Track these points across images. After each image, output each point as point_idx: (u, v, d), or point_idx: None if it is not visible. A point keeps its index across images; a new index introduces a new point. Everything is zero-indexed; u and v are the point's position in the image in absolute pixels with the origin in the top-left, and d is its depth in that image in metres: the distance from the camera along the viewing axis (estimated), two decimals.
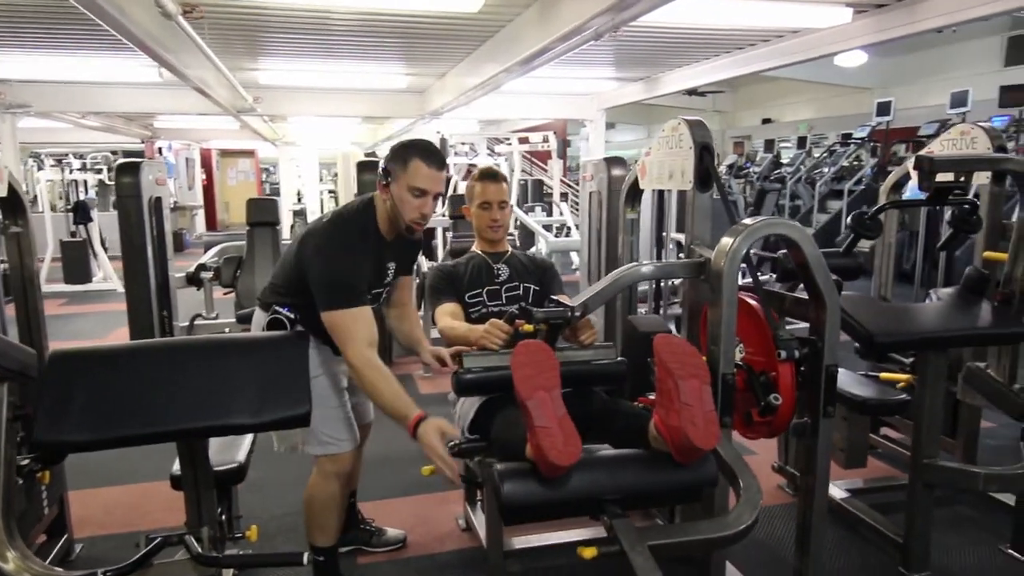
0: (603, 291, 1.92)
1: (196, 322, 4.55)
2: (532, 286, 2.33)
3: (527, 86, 7.35)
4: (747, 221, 1.85)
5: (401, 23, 5.17)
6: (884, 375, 2.73)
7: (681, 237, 3.00)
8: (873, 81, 11.36)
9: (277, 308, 1.99)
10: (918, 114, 9.46)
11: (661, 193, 2.51)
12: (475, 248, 2.41)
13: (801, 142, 11.78)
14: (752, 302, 1.89)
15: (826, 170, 10.21)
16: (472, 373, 1.87)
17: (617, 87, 8.27)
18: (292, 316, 1.97)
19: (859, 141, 9.75)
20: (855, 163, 10.20)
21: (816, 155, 11.17)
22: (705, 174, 2.10)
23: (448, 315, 2.18)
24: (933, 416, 2.13)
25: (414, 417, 1.76)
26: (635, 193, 2.74)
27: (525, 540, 2.35)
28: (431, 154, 1.92)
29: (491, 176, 2.32)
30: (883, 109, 9.04)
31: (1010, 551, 2.34)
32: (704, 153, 2.09)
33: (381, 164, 1.96)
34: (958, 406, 2.65)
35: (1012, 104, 7.11)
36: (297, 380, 1.66)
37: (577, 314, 1.83)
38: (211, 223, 16.39)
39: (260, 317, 2.06)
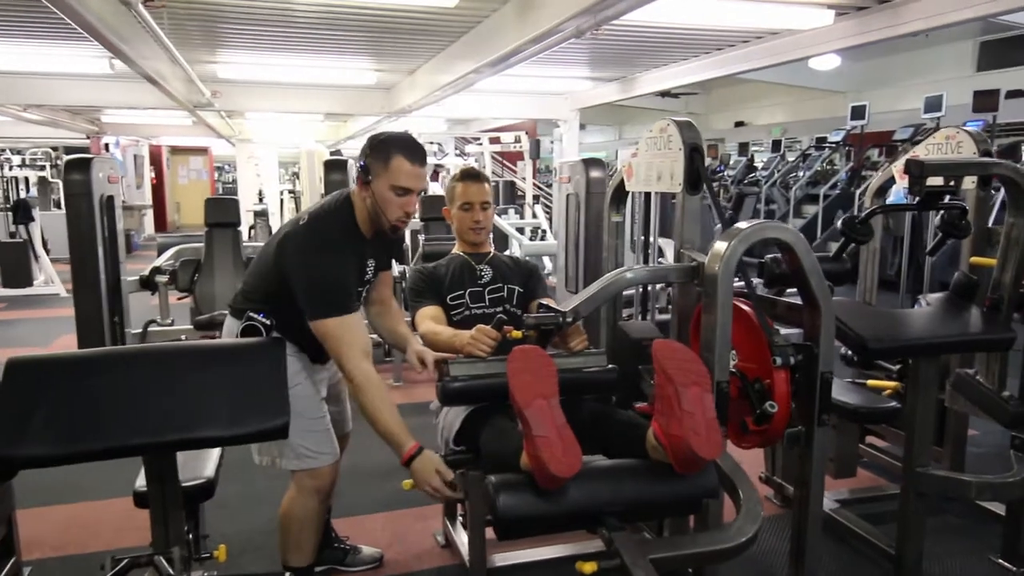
0: (594, 296, 1.92)
1: (150, 328, 4.43)
2: (516, 288, 2.32)
3: (499, 85, 7.37)
4: (741, 225, 1.87)
5: (370, 16, 5.13)
6: (871, 382, 2.79)
7: (662, 242, 3.01)
8: (847, 85, 11.67)
9: (251, 315, 1.96)
10: (892, 118, 9.73)
11: (648, 196, 2.51)
12: (456, 250, 2.39)
13: (775, 146, 12.02)
14: (745, 308, 1.90)
15: (801, 174, 10.44)
16: (459, 381, 1.85)
17: (592, 87, 8.35)
18: (268, 322, 1.95)
19: (833, 145, 9.98)
20: (829, 167, 10.45)
21: (790, 159, 11.42)
22: (695, 176, 2.12)
23: (430, 319, 2.16)
24: (925, 424, 2.17)
25: (410, 447, 1.79)
26: (620, 195, 2.75)
27: (509, 556, 2.33)
28: (414, 150, 1.89)
29: (473, 176, 2.31)
30: (857, 113, 9.27)
31: (1000, 561, 2.40)
32: (694, 154, 2.11)
33: (359, 160, 1.92)
34: (945, 413, 2.71)
35: (985, 109, 7.35)
36: (274, 389, 1.63)
37: (568, 320, 1.83)
38: (161, 224, 16.04)
39: (232, 325, 2.02)
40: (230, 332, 2.02)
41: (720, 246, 1.84)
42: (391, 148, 1.87)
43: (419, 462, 1.77)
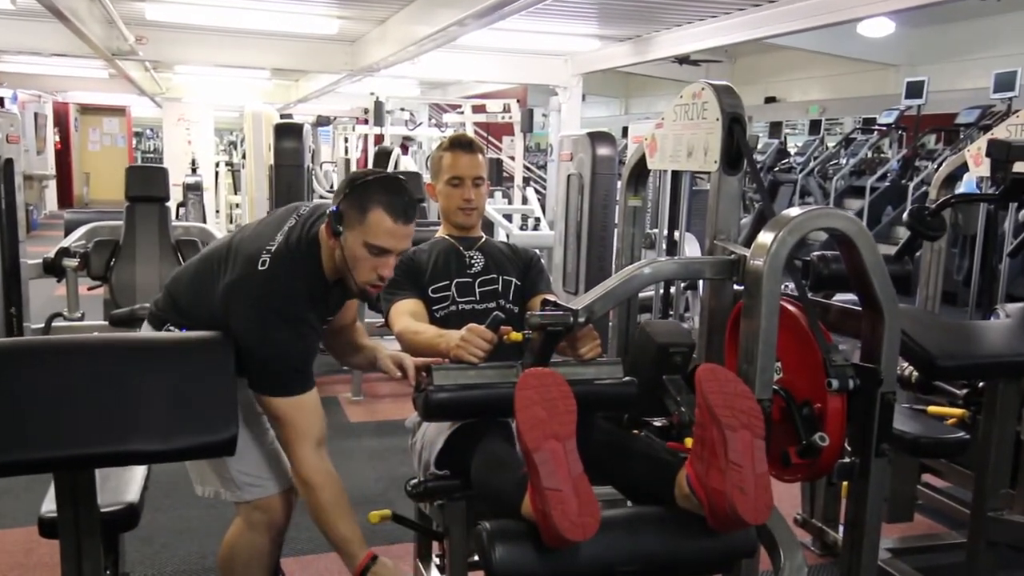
0: (612, 292, 1.91)
1: (55, 323, 4.37)
2: (513, 280, 2.30)
3: (487, 41, 7.37)
4: (791, 211, 1.87)
5: None
6: (932, 409, 2.80)
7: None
8: (900, 57, 11.79)
9: (172, 328, 1.95)
10: (954, 98, 9.84)
11: (676, 176, 2.51)
12: (441, 233, 2.37)
13: (814, 127, 12.14)
14: (793, 309, 1.90)
15: (843, 162, 10.53)
16: (445, 392, 1.83)
17: (599, 48, 8.37)
18: None
19: (884, 128, 10.07)
20: (876, 155, 10.57)
21: (830, 144, 11.52)
22: (735, 153, 2.11)
23: (407, 315, 2.14)
24: (1000, 459, 2.19)
25: (364, 557, 1.85)
26: (640, 175, 2.74)
27: None
28: (400, 204, 1.85)
29: (464, 145, 2.29)
30: (914, 90, 9.38)
31: None
32: (735, 126, 2.11)
33: (333, 203, 1.89)
34: (1020, 449, 2.73)
35: None
36: (220, 395, 1.62)
37: (580, 321, 1.81)
38: (66, 199, 15.87)
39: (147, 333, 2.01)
40: None
41: (766, 237, 1.83)
42: (372, 197, 1.84)
43: (377, 570, 1.85)
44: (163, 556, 2.73)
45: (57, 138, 15.91)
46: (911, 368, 2.53)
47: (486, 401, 1.88)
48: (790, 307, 1.90)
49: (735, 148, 2.10)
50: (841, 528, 2.84)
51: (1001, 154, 2.08)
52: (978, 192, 2.98)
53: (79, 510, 1.65)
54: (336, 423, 4.07)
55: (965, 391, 2.80)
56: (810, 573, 2.76)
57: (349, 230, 1.84)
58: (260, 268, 1.87)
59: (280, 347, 1.82)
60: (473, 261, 2.30)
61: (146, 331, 2.01)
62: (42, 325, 4.32)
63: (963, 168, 3.10)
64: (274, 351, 1.82)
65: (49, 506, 1.79)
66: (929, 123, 10.02)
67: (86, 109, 17.52)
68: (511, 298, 2.29)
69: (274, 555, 2.06)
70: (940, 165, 7.55)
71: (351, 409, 4.45)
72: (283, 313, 1.83)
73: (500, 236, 6.24)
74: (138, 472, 2.09)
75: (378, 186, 1.86)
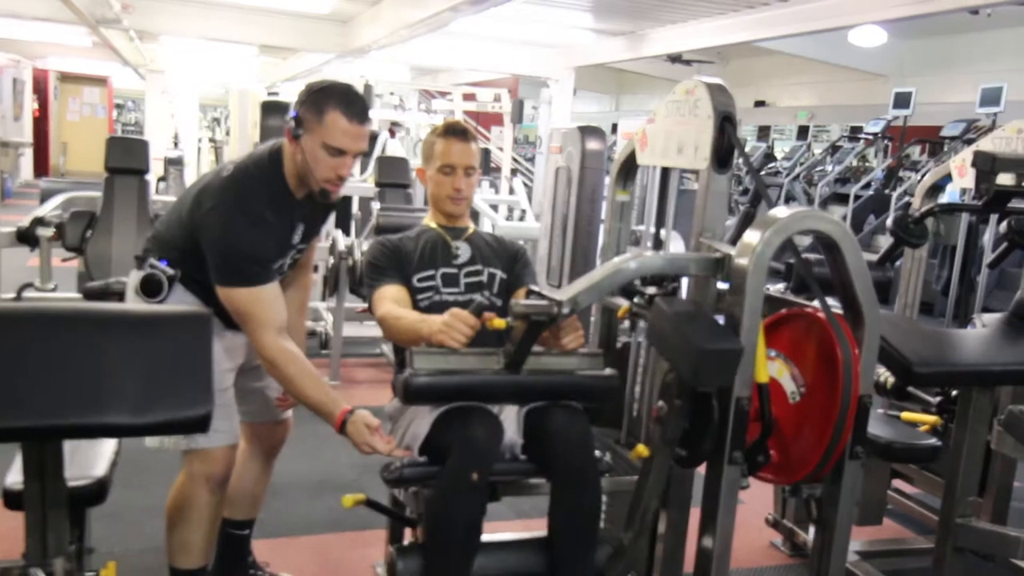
0: (596, 285, 1.91)
1: (26, 294, 4.30)
2: (498, 272, 2.31)
3: (481, 28, 7.33)
4: (778, 212, 1.88)
5: None
6: (906, 415, 2.83)
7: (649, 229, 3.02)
8: (890, 67, 11.89)
9: (153, 262, 2.04)
10: (940, 111, 9.95)
11: (665, 173, 2.52)
12: (428, 220, 2.36)
13: (801, 132, 12.22)
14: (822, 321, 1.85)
15: (828, 168, 10.62)
16: (425, 376, 1.83)
17: (594, 41, 8.37)
18: (172, 272, 2.04)
19: (871, 137, 10.16)
20: (861, 163, 10.66)
21: (816, 150, 11.60)
22: (726, 151, 2.12)
23: (391, 300, 2.14)
24: (971, 466, 2.22)
25: (340, 413, 1.92)
26: (629, 170, 2.75)
27: None
28: (354, 105, 1.97)
29: (459, 133, 2.28)
30: (902, 101, 9.46)
31: None
32: (726, 124, 2.12)
33: (292, 110, 1.99)
34: (990, 458, 2.77)
35: None
36: (197, 371, 1.59)
37: (564, 311, 1.81)
38: (42, 168, 15.64)
39: (133, 276, 2.09)
40: (131, 286, 2.09)
41: (753, 236, 1.84)
42: (327, 99, 1.94)
43: (352, 424, 1.91)
44: (130, 533, 2.72)
45: (35, 105, 15.67)
46: (887, 374, 2.55)
47: (467, 386, 1.89)
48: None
49: (726, 146, 2.11)
50: (811, 529, 2.88)
51: (986, 165, 2.10)
52: (961, 202, 3.01)
53: (46, 482, 1.62)
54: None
55: (938, 399, 2.84)
56: (776, 572, 2.80)
57: (308, 133, 1.95)
58: (223, 175, 2.02)
59: (239, 239, 1.93)
60: (459, 252, 2.30)
61: (133, 275, 2.09)
62: (13, 295, 4.25)
63: (947, 179, 3.13)
64: (233, 243, 1.93)
65: (15, 477, 1.77)
66: (915, 134, 10.13)
67: (66, 77, 17.26)
68: (496, 290, 2.29)
69: (216, 509, 2.11)
70: (923, 176, 7.64)
71: None
72: (242, 208, 1.95)
73: (486, 226, 6.22)
74: (108, 447, 2.06)
75: (334, 91, 1.97)
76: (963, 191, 3.15)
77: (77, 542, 1.95)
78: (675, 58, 11.75)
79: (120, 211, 4.75)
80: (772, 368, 1.88)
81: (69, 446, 1.97)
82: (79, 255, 4.65)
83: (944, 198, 3.14)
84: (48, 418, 1.47)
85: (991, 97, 8.04)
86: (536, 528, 2.12)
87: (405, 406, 2.10)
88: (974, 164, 2.16)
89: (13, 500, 1.75)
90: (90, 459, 1.98)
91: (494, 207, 6.77)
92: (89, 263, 4.61)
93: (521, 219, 6.87)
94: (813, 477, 1.90)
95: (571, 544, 1.97)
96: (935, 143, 9.57)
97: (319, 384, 1.98)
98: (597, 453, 2.04)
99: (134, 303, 2.07)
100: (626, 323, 2.90)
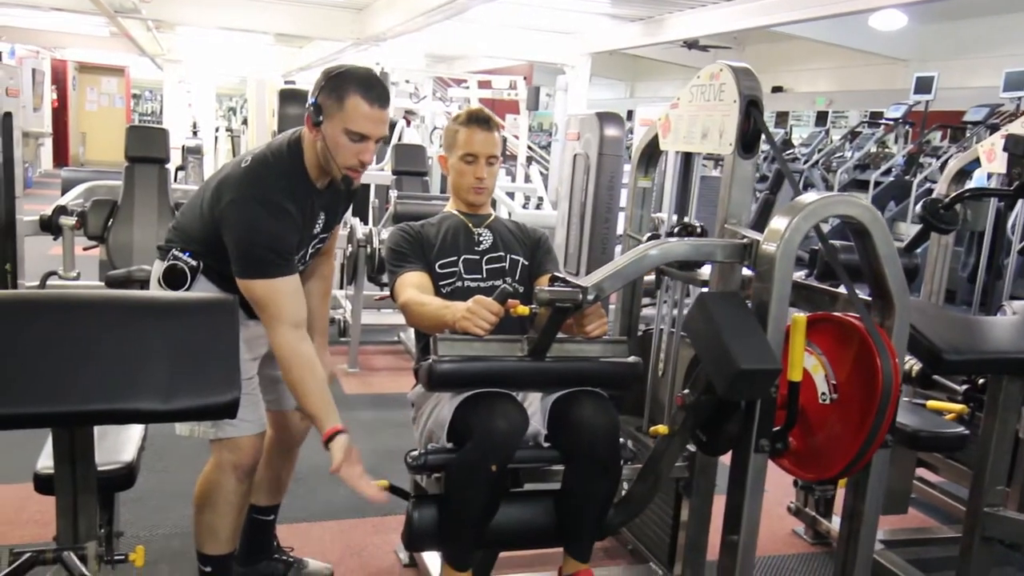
0: (621, 271, 1.90)
1: (50, 282, 4.33)
2: (520, 259, 2.30)
3: (497, 15, 7.29)
4: (807, 197, 1.86)
5: None
6: (932, 403, 2.80)
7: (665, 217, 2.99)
8: (911, 51, 11.75)
9: (176, 253, 2.04)
10: (962, 96, 9.82)
11: (688, 159, 2.50)
12: (450, 207, 2.36)
13: (820, 118, 12.10)
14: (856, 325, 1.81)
15: (848, 155, 10.51)
16: (450, 362, 1.82)
17: (610, 27, 8.31)
18: (194, 263, 2.04)
19: (891, 122, 10.05)
20: (881, 149, 10.54)
21: (835, 136, 11.49)
22: (752, 136, 2.10)
23: (413, 287, 2.13)
24: (1000, 455, 2.20)
25: (333, 428, 1.93)
26: (651, 156, 2.73)
27: None
28: (372, 88, 1.95)
29: (482, 121, 2.26)
30: (923, 86, 9.34)
31: None
32: (752, 109, 2.10)
33: (310, 96, 1.98)
34: (1019, 446, 2.74)
35: None
36: (224, 357, 1.60)
37: (589, 298, 1.80)
38: (61, 158, 15.73)
39: (156, 268, 2.09)
40: (153, 277, 2.09)
41: (780, 222, 1.82)
42: (348, 85, 1.92)
43: (339, 443, 1.93)
44: (156, 518, 2.74)
45: (54, 96, 15.75)
46: (913, 361, 2.53)
47: (491, 373, 1.89)
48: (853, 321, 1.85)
49: (751, 131, 2.09)
50: (835, 518, 2.86)
51: (1019, 149, 2.07)
52: (992, 187, 2.97)
53: (76, 467, 1.64)
54: (331, 394, 4.07)
55: (965, 387, 2.81)
56: (800, 561, 2.79)
57: (329, 120, 1.93)
58: (242, 166, 2.01)
59: (258, 231, 1.92)
60: (482, 238, 2.29)
61: (156, 266, 2.09)
62: (36, 284, 4.28)
63: (974, 164, 3.08)
64: (253, 235, 1.92)
65: (45, 462, 1.79)
66: (936, 120, 10.01)
67: (84, 68, 17.34)
68: (518, 277, 2.28)
69: (244, 497, 2.12)
70: (945, 162, 7.54)
71: (347, 381, 4.45)
72: (263, 200, 1.93)
73: (503, 214, 6.22)
74: (135, 432, 2.08)
75: (353, 76, 1.95)
76: (990, 176, 3.11)
77: (107, 526, 1.98)
78: (691, 44, 11.66)
79: (141, 200, 4.76)
80: (808, 362, 1.85)
81: (98, 432, 1.99)
82: (101, 244, 4.68)
83: (972, 183, 3.10)
84: (78, 404, 1.48)
85: (1015, 82, 7.92)
86: None
87: (428, 393, 2.11)
88: (1005, 148, 2.13)
89: (44, 484, 1.77)
90: (118, 445, 2.00)
91: (510, 195, 6.76)
92: (111, 251, 4.64)
93: (538, 207, 6.86)
94: (842, 475, 1.89)
95: (579, 521, 2.02)
96: (957, 128, 9.45)
97: (324, 394, 1.98)
98: (620, 441, 2.04)
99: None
100: (647, 309, 2.89)
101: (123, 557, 1.86)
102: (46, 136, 14.61)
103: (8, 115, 4.00)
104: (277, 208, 1.94)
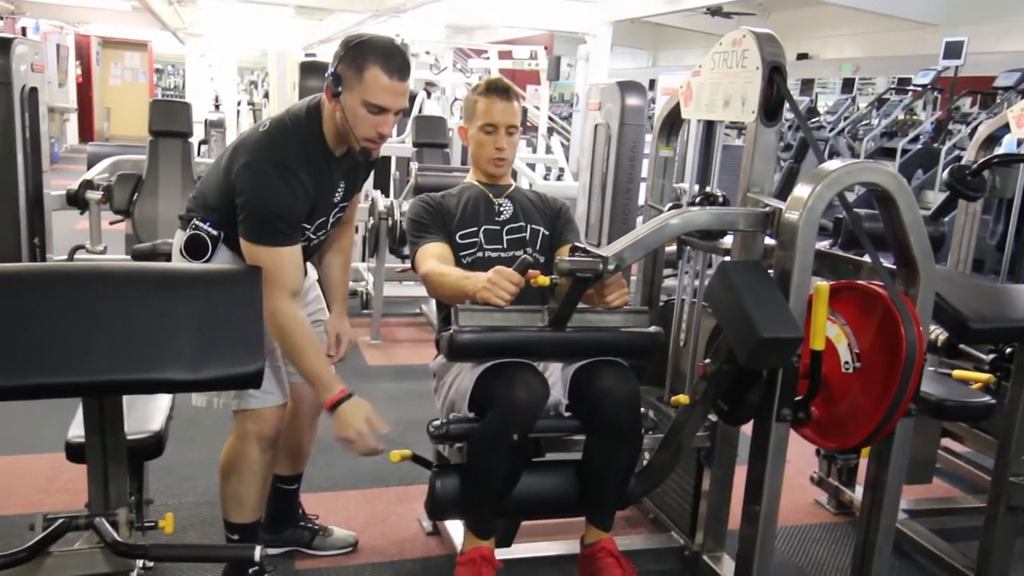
0: (642, 241, 1.89)
1: (78, 255, 4.40)
2: (541, 228, 2.29)
3: None
4: (831, 165, 1.84)
5: None
6: (958, 373, 2.78)
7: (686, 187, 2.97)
8: (939, 16, 11.48)
9: (197, 222, 2.04)
10: (992, 61, 9.60)
11: (710, 127, 2.48)
12: (471, 178, 2.35)
13: (846, 85, 11.90)
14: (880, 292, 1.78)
15: (874, 122, 10.35)
16: (471, 332, 1.83)
17: None
18: (215, 233, 2.03)
19: (919, 88, 9.86)
20: (909, 117, 10.36)
21: (862, 103, 11.30)
22: (775, 103, 2.08)
23: (434, 257, 2.14)
24: None
25: (338, 391, 1.94)
26: (673, 124, 2.70)
27: (509, 551, 2.34)
28: (394, 60, 1.92)
29: (501, 91, 2.24)
30: (952, 51, 9.14)
31: None
32: (775, 76, 2.07)
33: (330, 66, 1.95)
34: None
35: None
36: (249, 328, 1.62)
37: (610, 268, 1.80)
38: (86, 133, 15.84)
39: (178, 238, 2.09)
40: (175, 247, 2.09)
41: (804, 190, 1.80)
42: (367, 56, 1.90)
43: (348, 406, 1.94)
44: (184, 486, 2.78)
45: (79, 71, 15.83)
46: (938, 330, 2.50)
47: (512, 343, 1.90)
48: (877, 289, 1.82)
49: (775, 98, 2.07)
50: (858, 488, 2.85)
51: None
52: (1021, 153, 2.92)
53: (107, 436, 1.67)
54: (354, 365, 4.10)
55: (992, 356, 2.78)
56: (824, 530, 2.79)
57: (348, 91, 1.91)
58: (260, 130, 2.00)
59: (268, 195, 1.91)
60: (502, 208, 2.28)
61: (177, 236, 2.09)
62: (64, 257, 4.34)
63: (1003, 130, 3.03)
64: (265, 202, 1.91)
65: (76, 431, 1.82)
66: (965, 85, 9.80)
67: (108, 43, 17.39)
68: (538, 247, 2.28)
69: (267, 467, 2.14)
70: (974, 129, 7.40)
71: (369, 352, 4.48)
72: (276, 164, 1.92)
73: (524, 185, 6.20)
74: (163, 402, 2.12)
75: (373, 46, 1.92)
76: (1020, 142, 3.05)
77: (136, 494, 2.02)
78: (715, 11, 11.50)
79: (165, 174, 4.81)
80: (831, 331, 1.84)
81: (127, 402, 2.03)
82: (127, 217, 4.73)
83: (1001, 149, 3.05)
84: (108, 374, 1.51)
85: None
86: None
87: (450, 363, 2.12)
88: None
89: (75, 453, 1.81)
90: (147, 414, 2.03)
91: (531, 166, 6.73)
92: (136, 225, 4.69)
93: (559, 178, 6.83)
94: (865, 444, 1.88)
95: (600, 490, 2.06)
96: (987, 94, 9.25)
97: (321, 356, 2.00)
98: (641, 410, 2.05)
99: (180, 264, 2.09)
100: (669, 279, 2.88)
101: (153, 524, 1.89)
102: (71, 111, 14.70)
103: (34, 90, 4.02)
104: (289, 173, 1.92)
